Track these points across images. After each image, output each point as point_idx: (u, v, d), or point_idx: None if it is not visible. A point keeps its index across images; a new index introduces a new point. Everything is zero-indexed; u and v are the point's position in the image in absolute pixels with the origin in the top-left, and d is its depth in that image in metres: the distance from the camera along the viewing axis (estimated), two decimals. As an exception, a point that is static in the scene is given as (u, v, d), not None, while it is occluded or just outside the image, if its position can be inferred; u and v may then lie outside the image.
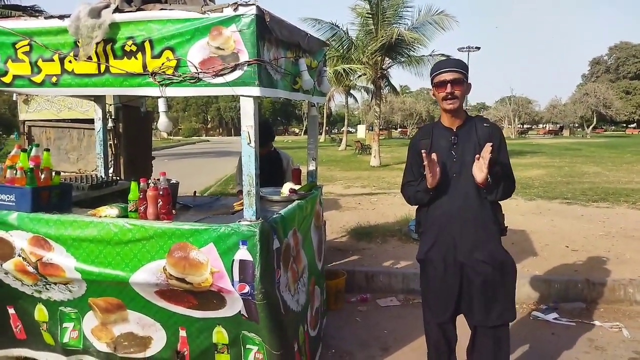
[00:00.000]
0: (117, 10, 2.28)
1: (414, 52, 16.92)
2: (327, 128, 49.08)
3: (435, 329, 2.53)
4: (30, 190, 2.58)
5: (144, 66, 2.29)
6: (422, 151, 2.29)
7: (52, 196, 2.72)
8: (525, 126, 64.18)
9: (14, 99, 4.69)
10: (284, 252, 2.50)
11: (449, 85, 2.34)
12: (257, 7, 2.12)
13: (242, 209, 2.94)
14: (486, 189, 2.33)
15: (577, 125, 62.66)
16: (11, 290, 2.72)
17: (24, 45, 2.44)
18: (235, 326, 2.44)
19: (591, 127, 56.17)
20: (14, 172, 2.62)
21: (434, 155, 2.31)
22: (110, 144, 5.19)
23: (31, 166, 2.63)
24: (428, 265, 2.50)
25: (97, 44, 2.30)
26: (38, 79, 2.47)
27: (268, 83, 2.27)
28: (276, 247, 2.40)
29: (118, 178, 3.89)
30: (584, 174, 13.24)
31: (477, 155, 2.26)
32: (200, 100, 62.09)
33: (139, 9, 2.28)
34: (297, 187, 3.14)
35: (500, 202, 2.47)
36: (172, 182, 3.09)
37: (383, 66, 17.59)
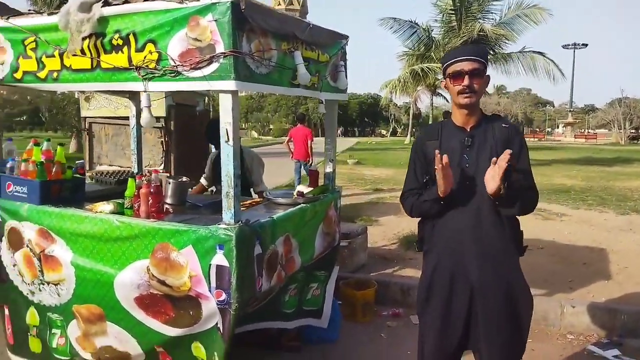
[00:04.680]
0: (106, 3, 2.25)
1: (500, 49, 15.79)
2: (413, 130, 47.77)
3: None
4: (39, 183, 2.65)
5: (129, 60, 2.23)
6: (436, 151, 1.94)
7: (63, 190, 2.79)
8: (639, 131, 57.51)
9: (76, 96, 4.97)
10: (268, 259, 2.32)
11: (466, 77, 1.98)
12: None
13: (246, 209, 2.81)
14: (499, 201, 1.96)
15: (701, 130, 55.10)
16: (11, 287, 2.76)
17: (31, 42, 2.50)
18: (210, 343, 2.29)
19: None
20: (28, 165, 2.71)
21: (445, 157, 1.93)
22: (161, 141, 5.37)
23: (42, 160, 2.72)
24: (432, 289, 2.14)
25: (89, 38, 2.28)
26: (42, 74, 2.52)
27: (248, 76, 2.10)
28: (257, 253, 2.23)
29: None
30: (699, 186, 11.48)
31: (494, 159, 1.91)
32: (290, 102, 63.58)
33: (125, 2, 2.23)
34: (307, 190, 2.95)
35: (520, 217, 2.08)
36: (181, 180, 3.05)
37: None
